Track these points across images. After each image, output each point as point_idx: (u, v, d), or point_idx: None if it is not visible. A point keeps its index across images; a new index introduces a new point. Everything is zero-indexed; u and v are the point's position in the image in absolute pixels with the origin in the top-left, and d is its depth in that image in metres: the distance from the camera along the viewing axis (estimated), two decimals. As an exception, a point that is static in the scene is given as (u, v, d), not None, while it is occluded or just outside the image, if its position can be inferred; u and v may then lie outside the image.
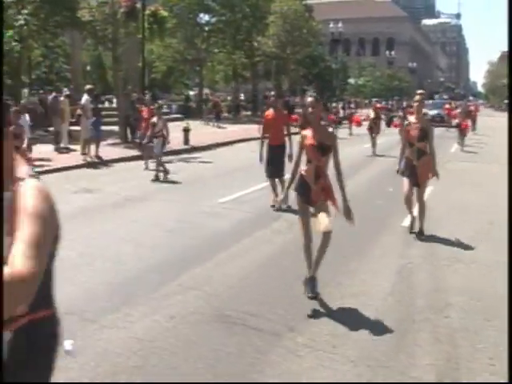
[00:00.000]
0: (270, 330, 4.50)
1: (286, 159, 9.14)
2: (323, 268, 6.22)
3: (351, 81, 59.38)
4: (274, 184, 9.48)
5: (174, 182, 12.11)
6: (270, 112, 9.59)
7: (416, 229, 7.84)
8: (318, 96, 5.42)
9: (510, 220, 7.27)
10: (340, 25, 42.27)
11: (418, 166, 7.58)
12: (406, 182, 7.72)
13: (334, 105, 38.41)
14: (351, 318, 4.90)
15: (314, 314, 4.95)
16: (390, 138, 21.14)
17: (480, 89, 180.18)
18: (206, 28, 40.51)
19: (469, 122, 24.08)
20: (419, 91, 7.71)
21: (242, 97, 52.11)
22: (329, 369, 3.98)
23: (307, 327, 4.66)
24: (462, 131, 21.03)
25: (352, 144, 21.18)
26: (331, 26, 42.42)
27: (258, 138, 22.75)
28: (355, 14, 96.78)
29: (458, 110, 22.47)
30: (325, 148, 5.31)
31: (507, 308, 4.27)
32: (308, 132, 5.41)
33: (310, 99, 5.32)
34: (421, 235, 7.63)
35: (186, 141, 19.25)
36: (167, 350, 4.14)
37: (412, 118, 7.74)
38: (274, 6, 36.77)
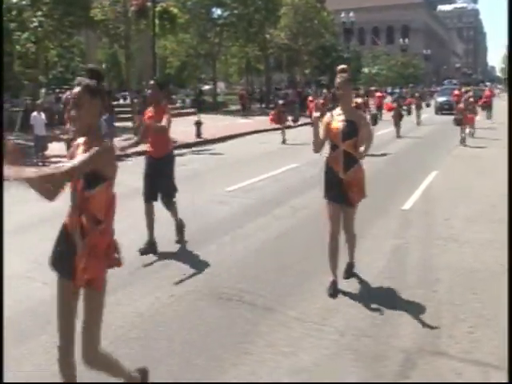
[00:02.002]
0: (262, 305, 4.81)
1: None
2: (317, 248, 6.52)
3: (365, 70, 59.13)
4: (151, 212, 6.65)
5: (184, 174, 12.45)
6: (149, 110, 6.70)
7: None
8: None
9: (509, 219, 7.16)
10: (351, 14, 42.14)
11: (345, 181, 5.08)
12: (330, 207, 5.20)
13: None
14: (343, 294, 5.18)
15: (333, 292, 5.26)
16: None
17: (498, 73, 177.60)
18: (219, 22, 40.70)
19: (478, 112, 21.95)
20: (341, 66, 5.12)
21: (256, 89, 52.29)
22: (316, 338, 4.27)
23: (299, 302, 4.96)
24: (465, 125, 17.92)
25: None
26: (342, 15, 42.35)
27: (269, 130, 22.76)
28: (369, 2, 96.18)
29: (462, 99, 19.09)
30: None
31: (507, 307, 4.43)
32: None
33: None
34: (349, 276, 5.59)
35: (199, 134, 19.59)
36: (165, 323, 4.49)
37: (335, 111, 5.18)
38: (286, -2, 36.91)
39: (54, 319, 4.56)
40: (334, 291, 5.16)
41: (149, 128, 6.43)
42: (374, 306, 4.92)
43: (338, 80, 4.96)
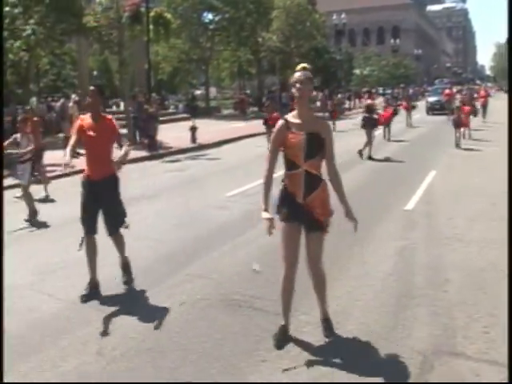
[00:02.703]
0: (274, 311, 4.74)
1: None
2: (326, 253, 6.46)
3: (356, 71, 59.25)
4: (93, 248, 5.53)
5: (182, 179, 12.39)
6: (83, 119, 5.56)
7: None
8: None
9: (510, 217, 7.16)
10: (343, 16, 42.25)
11: (305, 208, 4.15)
12: (285, 230, 4.32)
13: (339, 96, 38.48)
14: (353, 297, 5.14)
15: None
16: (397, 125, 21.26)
17: (488, 72, 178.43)
18: (210, 26, 40.71)
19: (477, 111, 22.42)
20: (302, 65, 4.19)
21: (248, 93, 52.33)
22: (331, 343, 4.22)
23: (310, 307, 4.89)
24: (461, 127, 17.17)
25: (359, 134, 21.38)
26: (334, 17, 42.42)
27: (263, 133, 22.77)
28: (359, 3, 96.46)
29: (457, 97, 19.19)
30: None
31: (507, 307, 4.44)
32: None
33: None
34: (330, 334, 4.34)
35: (194, 139, 19.52)
36: (177, 332, 4.42)
37: (291, 117, 4.13)
38: (278, 1, 36.90)
39: (62, 333, 4.54)
40: (281, 340, 4.17)
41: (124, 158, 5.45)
42: (385, 308, 4.89)
43: (296, 76, 4.03)
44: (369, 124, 15.07)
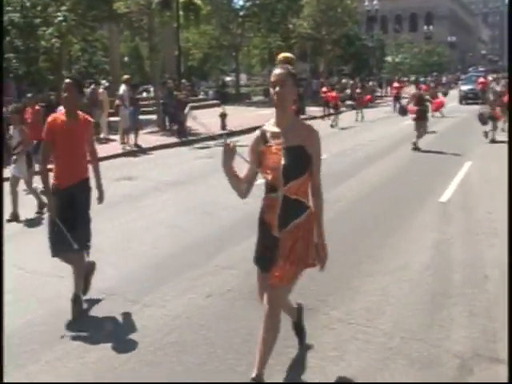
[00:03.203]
0: (304, 305, 4.59)
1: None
2: (359, 245, 6.31)
3: (388, 59, 58.23)
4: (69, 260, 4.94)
5: (212, 167, 12.28)
6: (55, 118, 4.85)
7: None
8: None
9: (509, 216, 6.85)
10: (375, 2, 41.48)
11: (281, 241, 3.27)
12: (258, 277, 3.47)
13: (370, 83, 37.90)
14: (386, 293, 4.94)
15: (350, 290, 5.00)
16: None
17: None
18: (241, 13, 40.42)
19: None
20: (284, 54, 3.43)
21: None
22: (362, 341, 4.05)
23: (341, 302, 4.74)
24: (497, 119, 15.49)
25: (394, 122, 21.05)
26: (366, 3, 41.66)
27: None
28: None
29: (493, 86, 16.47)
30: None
31: (507, 307, 4.21)
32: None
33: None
34: None
35: (223, 126, 19.38)
36: (204, 326, 4.30)
37: (269, 125, 3.39)
38: (309, -14, 36.37)
39: (88, 323, 4.48)
40: None
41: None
42: (420, 306, 4.68)
43: (275, 74, 3.17)
44: (423, 116, 14.55)
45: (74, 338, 4.22)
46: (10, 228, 7.29)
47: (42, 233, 7.28)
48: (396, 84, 29.78)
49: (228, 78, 49.46)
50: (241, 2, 41.30)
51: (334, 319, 4.42)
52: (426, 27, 72.30)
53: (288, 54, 3.40)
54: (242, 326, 4.29)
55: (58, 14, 22.23)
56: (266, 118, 15.13)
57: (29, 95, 12.42)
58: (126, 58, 44.98)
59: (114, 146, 15.94)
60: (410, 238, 6.61)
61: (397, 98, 27.31)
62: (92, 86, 20.68)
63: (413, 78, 31.58)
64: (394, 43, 67.46)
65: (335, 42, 38.69)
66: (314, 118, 23.83)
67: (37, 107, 10.89)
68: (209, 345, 4.00)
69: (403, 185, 9.65)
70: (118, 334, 4.29)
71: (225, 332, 4.19)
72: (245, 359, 3.77)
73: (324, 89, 25.71)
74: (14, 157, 8.54)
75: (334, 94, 23.58)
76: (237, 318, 4.44)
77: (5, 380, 3.35)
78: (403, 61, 63.25)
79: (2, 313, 4.07)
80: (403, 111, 15.62)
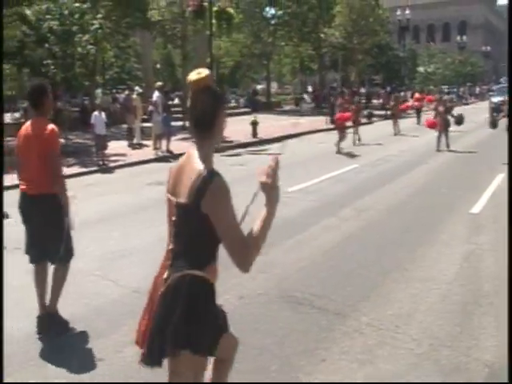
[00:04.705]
0: (334, 310, 4.69)
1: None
2: (386, 251, 6.37)
3: (420, 69, 57.83)
4: (42, 276, 4.63)
5: (245, 174, 12.44)
6: (25, 127, 4.58)
7: None
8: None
9: (509, 218, 6.92)
10: (407, 12, 41.31)
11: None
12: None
13: (402, 94, 37.72)
14: (415, 301, 4.99)
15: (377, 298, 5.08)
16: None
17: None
18: (273, 21, 40.74)
19: None
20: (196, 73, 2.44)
21: (310, 89, 52.03)
22: (391, 346, 4.12)
23: (371, 308, 4.81)
24: None
25: (421, 134, 20.91)
26: (398, 13, 41.53)
27: (325, 130, 22.23)
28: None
29: None
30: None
31: (507, 307, 4.19)
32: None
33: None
34: None
35: (255, 134, 19.55)
36: (236, 327, 4.39)
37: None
38: (340, -4, 36.48)
39: (124, 319, 4.65)
40: None
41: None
42: (449, 314, 4.73)
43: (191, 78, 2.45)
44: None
45: (112, 333, 4.41)
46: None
47: (81, 232, 7.58)
48: (417, 95, 28.64)
49: (259, 87, 49.73)
50: (273, 11, 41.61)
51: (363, 324, 4.50)
52: (459, 37, 71.48)
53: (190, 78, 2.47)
54: (273, 328, 4.41)
55: (94, 21, 22.81)
56: (298, 127, 15.41)
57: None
58: (158, 65, 45.63)
59: (147, 152, 16.25)
60: (440, 247, 6.63)
61: (419, 111, 26.22)
62: (126, 92, 21.13)
63: (445, 88, 31.01)
64: (426, 53, 67.01)
65: (366, 51, 38.68)
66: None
67: None
68: (241, 345, 4.10)
69: (434, 195, 9.66)
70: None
71: (257, 333, 4.31)
72: (276, 360, 3.88)
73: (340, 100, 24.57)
74: None
75: (347, 114, 17.14)
76: (268, 320, 4.56)
77: (5, 380, 3.46)
78: (435, 71, 62.74)
79: (2, 313, 4.18)
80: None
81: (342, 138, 15.83)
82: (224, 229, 2.34)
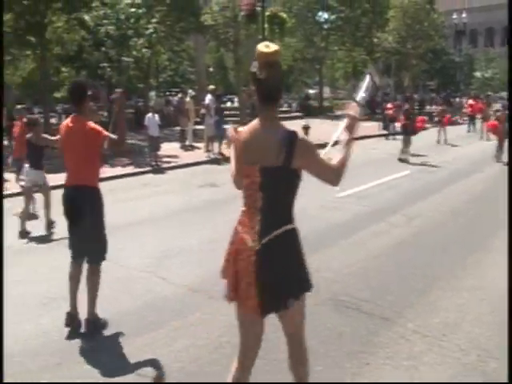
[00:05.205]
0: (380, 315, 4.70)
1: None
2: (439, 260, 6.30)
3: (477, 74, 56.36)
4: (77, 273, 4.69)
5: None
6: (66, 123, 4.76)
7: None
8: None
9: (509, 221, 6.86)
10: (464, 15, 40.39)
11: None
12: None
13: (457, 100, 36.90)
14: (464, 310, 4.93)
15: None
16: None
17: None
18: (325, 26, 40.62)
19: None
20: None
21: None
22: (437, 354, 4.09)
23: (418, 315, 4.79)
24: None
25: (475, 141, 20.48)
26: (454, 17, 40.67)
27: (379, 136, 21.80)
28: (482, 1, 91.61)
29: None
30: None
31: (507, 308, 4.12)
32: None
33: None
34: None
35: (306, 138, 19.53)
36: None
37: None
38: (394, 0, 36.00)
39: (174, 315, 4.82)
40: None
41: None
42: (498, 326, 4.62)
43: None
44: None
45: (162, 327, 4.58)
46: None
47: (134, 230, 7.84)
48: (471, 101, 26.77)
49: (311, 91, 49.64)
50: (325, 16, 41.49)
51: (409, 331, 4.48)
52: (519, 41, 69.17)
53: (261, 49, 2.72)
54: (320, 329, 4.45)
55: (149, 26, 23.38)
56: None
57: (18, 107, 11.27)
58: (211, 69, 46.22)
59: (199, 154, 16.54)
60: (491, 257, 6.50)
61: (472, 117, 24.80)
62: (179, 95, 21.55)
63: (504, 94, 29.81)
64: (484, 58, 65.26)
65: (421, 56, 38.01)
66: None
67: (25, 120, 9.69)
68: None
69: (487, 203, 9.45)
70: (202, 327, 4.58)
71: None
72: (321, 360, 3.93)
73: (389, 105, 23.75)
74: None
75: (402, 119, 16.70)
76: (315, 322, 4.59)
77: (4, 380, 3.54)
78: (494, 76, 60.98)
79: (2, 312, 4.31)
80: None
81: (406, 143, 15.30)
82: (319, 167, 2.76)
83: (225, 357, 4.01)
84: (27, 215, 8.12)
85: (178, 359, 4.07)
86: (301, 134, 2.75)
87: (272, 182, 2.69)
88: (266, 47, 2.68)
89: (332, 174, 2.80)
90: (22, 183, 8.45)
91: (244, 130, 2.80)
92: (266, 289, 2.70)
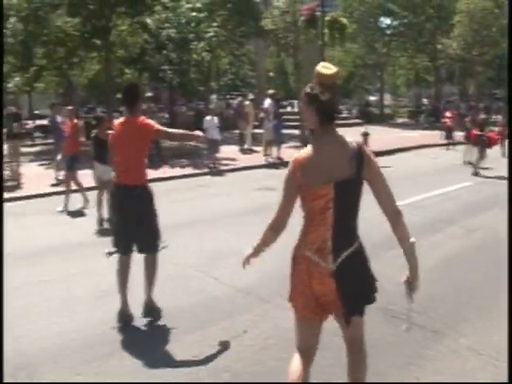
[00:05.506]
0: (432, 328, 4.59)
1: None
2: (496, 273, 6.08)
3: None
4: (126, 268, 4.90)
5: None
6: (119, 123, 4.94)
7: None
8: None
9: (509, 223, 6.75)
10: (536, 21, 38.80)
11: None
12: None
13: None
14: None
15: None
16: None
17: None
18: (387, 32, 40.10)
19: None
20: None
21: (426, 101, 50.47)
22: (492, 374, 3.93)
23: (474, 331, 4.64)
24: None
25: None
26: (526, 22, 39.15)
27: (440, 145, 21.18)
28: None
29: None
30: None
31: (507, 309, 4.02)
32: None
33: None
34: None
35: (365, 145, 19.25)
36: (331, 332, 4.44)
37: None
38: (460, 5, 35.06)
39: (225, 315, 4.88)
40: None
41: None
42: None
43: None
44: None
45: (212, 326, 4.69)
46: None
47: (190, 229, 7.99)
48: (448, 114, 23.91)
49: (372, 98, 49.04)
50: (388, 21, 40.95)
51: (462, 346, 4.35)
52: None
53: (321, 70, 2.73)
54: (367, 337, 4.33)
55: (210, 29, 23.75)
56: (410, 141, 15.09)
57: (68, 107, 11.68)
58: (271, 73, 46.45)
59: (257, 157, 16.67)
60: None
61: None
62: (239, 99, 21.77)
63: None
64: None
65: (487, 63, 36.87)
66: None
67: (75, 121, 10.72)
68: (333, 350, 4.15)
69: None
70: (251, 327, 4.65)
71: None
72: (368, 369, 3.88)
73: (448, 113, 22.70)
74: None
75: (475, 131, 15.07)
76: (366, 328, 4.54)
77: (5, 380, 3.63)
78: None
79: (2, 312, 4.42)
80: None
81: (482, 155, 14.40)
82: (385, 180, 2.85)
83: (270, 358, 4.05)
84: (101, 206, 8.64)
85: (224, 358, 4.15)
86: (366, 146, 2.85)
87: (344, 196, 2.73)
88: (326, 69, 2.71)
89: (394, 204, 2.90)
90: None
91: (305, 154, 2.77)
92: (348, 302, 2.85)
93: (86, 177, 10.12)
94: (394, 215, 2.88)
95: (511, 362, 3.42)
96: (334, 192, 2.70)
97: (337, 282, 2.75)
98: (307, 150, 2.77)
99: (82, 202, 10.06)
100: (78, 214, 9.78)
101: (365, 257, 2.95)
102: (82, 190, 10.20)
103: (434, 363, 4.07)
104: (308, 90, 2.74)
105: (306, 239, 2.82)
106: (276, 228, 2.95)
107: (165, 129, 4.94)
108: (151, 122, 4.81)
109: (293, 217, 2.98)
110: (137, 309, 4.89)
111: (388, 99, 54.24)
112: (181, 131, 5.15)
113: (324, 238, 2.76)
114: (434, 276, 6.03)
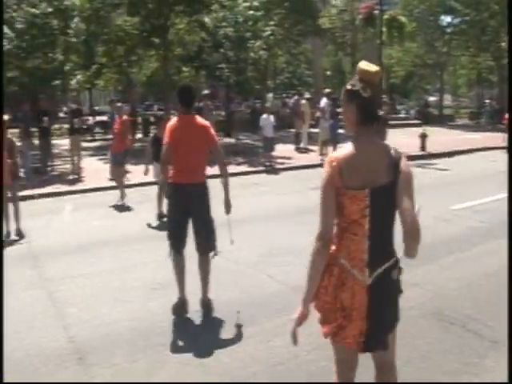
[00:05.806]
0: (490, 337, 4.44)
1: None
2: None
3: None
4: (182, 264, 5.10)
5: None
6: (177, 123, 5.03)
7: None
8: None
9: (509, 223, 6.63)
10: None
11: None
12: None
13: None
14: None
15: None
16: None
17: None
18: (448, 30, 39.02)
19: None
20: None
21: (488, 102, 48.91)
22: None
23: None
24: None
25: None
26: None
27: (501, 148, 20.25)
28: None
29: None
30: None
31: (507, 309, 3.90)
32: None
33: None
34: None
35: (423, 147, 18.87)
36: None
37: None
38: (527, 0, 33.72)
39: (278, 313, 4.90)
40: None
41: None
42: None
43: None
44: None
45: (265, 323, 4.77)
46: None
47: (245, 226, 8.06)
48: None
49: (431, 98, 47.89)
50: (448, 19, 39.83)
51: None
52: None
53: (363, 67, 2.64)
54: (421, 343, 4.33)
55: (267, 28, 23.82)
56: (471, 143, 14.63)
57: (118, 104, 12.03)
58: (328, 72, 46.13)
59: (313, 157, 16.63)
60: None
61: None
62: (295, 97, 21.73)
63: None
64: None
65: (554, 63, 35.31)
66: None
67: (124, 117, 11.07)
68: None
69: None
70: (303, 326, 4.60)
71: (403, 346, 4.24)
72: (419, 374, 3.84)
73: (507, 115, 20.95)
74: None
75: None
76: (417, 335, 4.47)
77: (4, 380, 3.62)
78: None
79: (2, 312, 4.44)
80: None
81: None
82: (408, 197, 2.52)
83: (322, 358, 4.04)
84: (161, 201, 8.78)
85: (276, 355, 4.19)
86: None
87: (381, 203, 2.55)
88: (368, 66, 2.61)
89: (412, 216, 2.51)
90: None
91: (343, 154, 2.58)
92: (375, 327, 2.64)
93: (138, 173, 10.43)
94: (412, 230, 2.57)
95: (511, 362, 3.35)
96: (370, 199, 2.54)
97: (370, 299, 2.60)
98: (345, 150, 2.59)
99: (118, 198, 10.48)
100: (133, 209, 10.08)
101: (398, 272, 2.72)
102: (121, 186, 10.58)
103: (490, 373, 3.95)
104: (349, 86, 2.60)
105: (341, 248, 2.65)
106: (326, 242, 2.61)
107: (220, 150, 5.05)
108: (213, 131, 4.99)
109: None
110: (191, 301, 5.00)
111: (448, 100, 52.91)
112: (223, 167, 5.06)
113: (361, 248, 2.59)
114: (491, 283, 5.86)
